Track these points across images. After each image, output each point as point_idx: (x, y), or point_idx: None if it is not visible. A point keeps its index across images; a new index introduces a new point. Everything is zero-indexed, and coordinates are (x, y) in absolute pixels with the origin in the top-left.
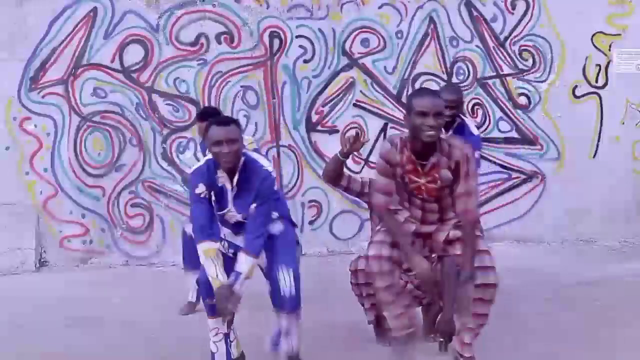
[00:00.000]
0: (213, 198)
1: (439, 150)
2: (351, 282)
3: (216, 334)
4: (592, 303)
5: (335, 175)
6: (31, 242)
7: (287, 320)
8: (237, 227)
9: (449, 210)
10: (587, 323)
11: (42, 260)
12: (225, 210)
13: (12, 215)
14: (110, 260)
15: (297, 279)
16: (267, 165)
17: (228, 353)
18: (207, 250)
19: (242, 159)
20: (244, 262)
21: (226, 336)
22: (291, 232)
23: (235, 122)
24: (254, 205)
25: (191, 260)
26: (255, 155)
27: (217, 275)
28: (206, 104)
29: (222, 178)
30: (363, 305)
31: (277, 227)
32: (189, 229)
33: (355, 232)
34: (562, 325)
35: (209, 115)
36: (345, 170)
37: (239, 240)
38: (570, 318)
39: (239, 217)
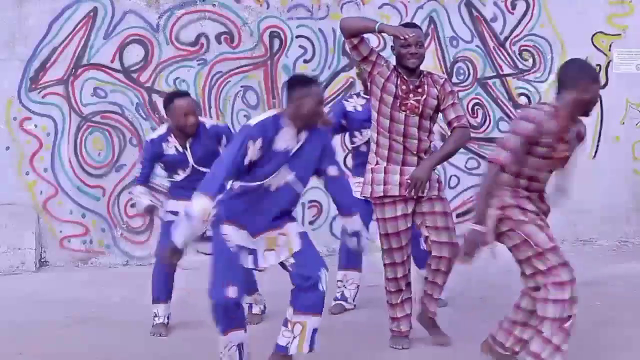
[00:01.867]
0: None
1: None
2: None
3: (230, 348)
4: (592, 303)
5: (356, 33)
6: (31, 242)
7: (315, 321)
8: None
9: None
10: (587, 323)
11: (42, 260)
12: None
13: (12, 215)
14: (110, 260)
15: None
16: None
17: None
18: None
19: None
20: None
21: (239, 346)
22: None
23: None
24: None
25: (159, 290)
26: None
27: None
28: (206, 104)
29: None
30: (398, 317)
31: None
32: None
33: None
34: None
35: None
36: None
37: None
38: None
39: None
